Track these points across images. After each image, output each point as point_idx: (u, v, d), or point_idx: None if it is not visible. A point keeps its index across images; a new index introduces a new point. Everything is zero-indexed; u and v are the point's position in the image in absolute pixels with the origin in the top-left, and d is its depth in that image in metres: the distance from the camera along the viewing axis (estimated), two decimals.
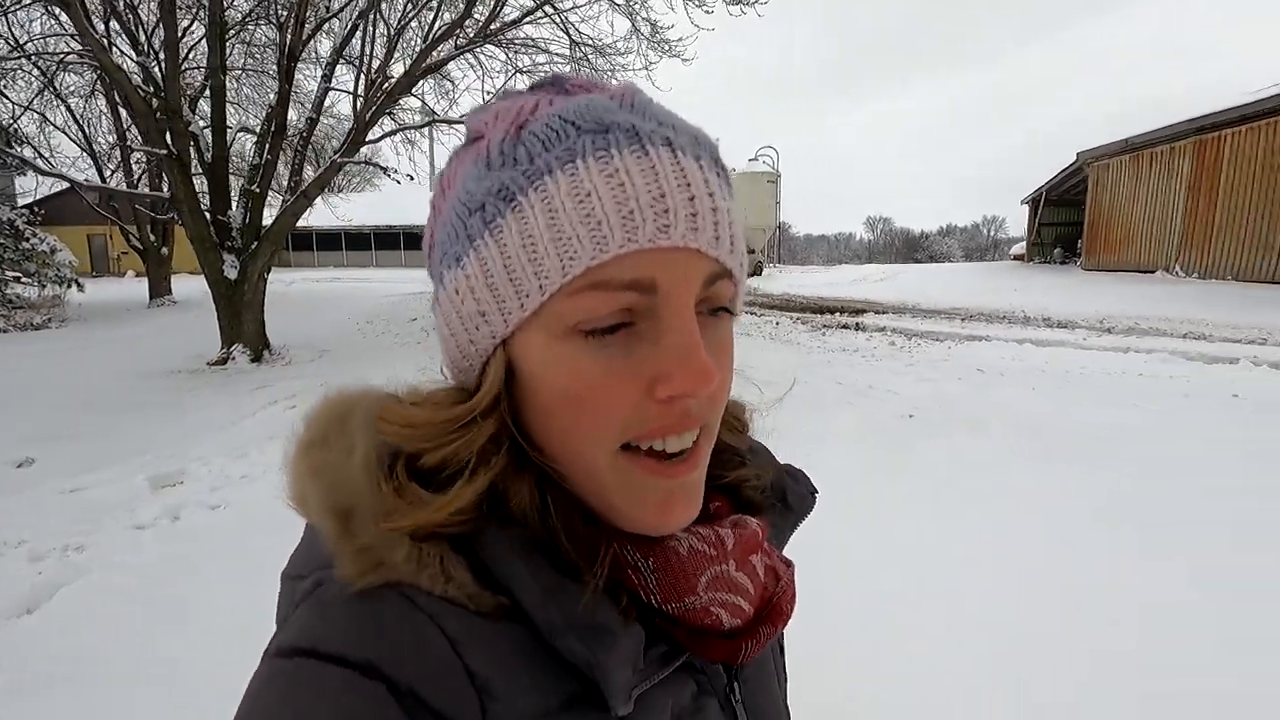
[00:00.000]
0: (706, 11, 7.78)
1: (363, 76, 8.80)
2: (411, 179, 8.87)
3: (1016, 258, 24.90)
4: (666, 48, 9.77)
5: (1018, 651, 2.26)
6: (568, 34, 9.51)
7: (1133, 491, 3.51)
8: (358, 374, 6.91)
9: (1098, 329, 8.74)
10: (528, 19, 9.29)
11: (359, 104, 8.46)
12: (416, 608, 0.36)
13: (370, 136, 9.28)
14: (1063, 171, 21.15)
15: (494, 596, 0.38)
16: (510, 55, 9.72)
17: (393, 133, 9.67)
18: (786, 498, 0.55)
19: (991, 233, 63.29)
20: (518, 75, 9.56)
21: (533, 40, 9.62)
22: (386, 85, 8.45)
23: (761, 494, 0.53)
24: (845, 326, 9.84)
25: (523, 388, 0.41)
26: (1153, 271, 16.42)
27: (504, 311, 0.39)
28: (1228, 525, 3.08)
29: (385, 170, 8.69)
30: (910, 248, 60.57)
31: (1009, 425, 4.73)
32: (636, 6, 9.28)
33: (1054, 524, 3.18)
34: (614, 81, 0.44)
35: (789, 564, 0.51)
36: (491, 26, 9.24)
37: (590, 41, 9.70)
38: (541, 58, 9.75)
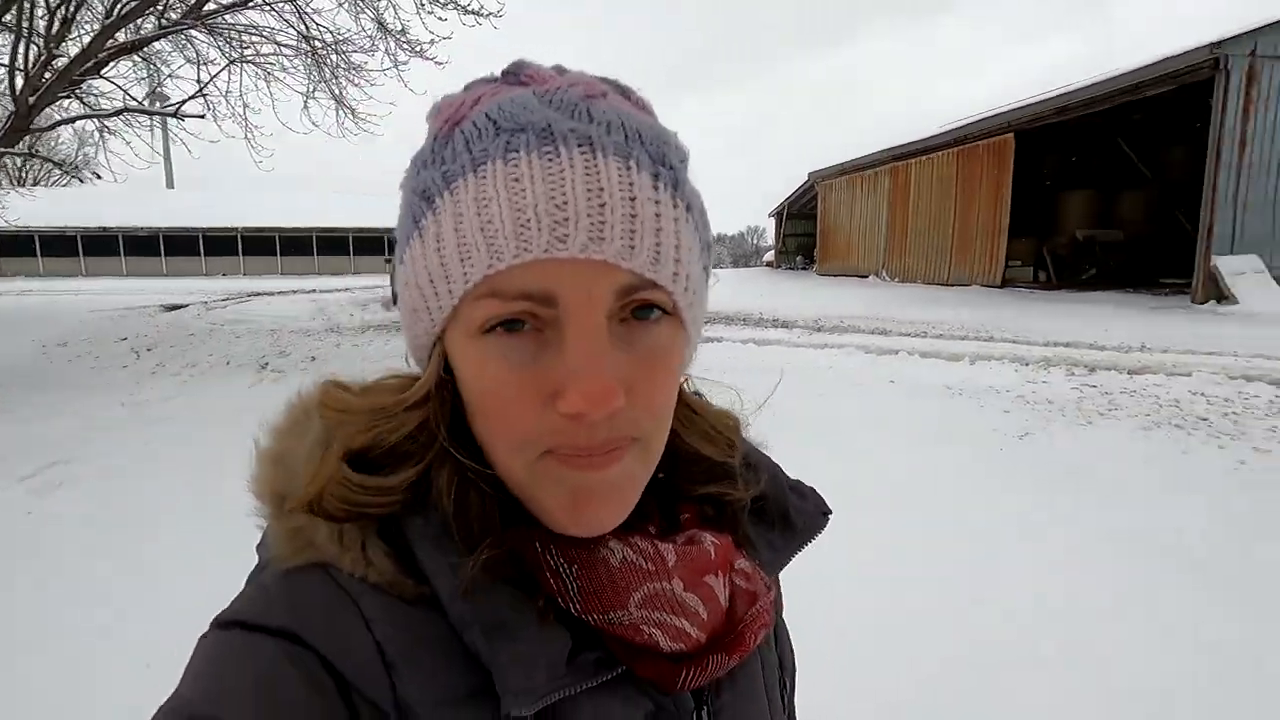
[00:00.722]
0: (440, 19, 7.67)
1: (27, 49, 7.33)
2: (99, 178, 7.55)
3: (768, 264, 27.95)
4: (417, 49, 9.44)
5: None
6: (304, 24, 8.78)
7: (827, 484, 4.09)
8: (31, 413, 5.74)
9: (811, 328, 10.11)
10: (250, 3, 8.43)
11: (20, 83, 7.03)
12: (338, 586, 0.38)
13: (43, 123, 7.79)
14: (799, 188, 24.17)
15: (416, 586, 0.38)
16: (229, 43, 8.73)
17: (67, 121, 8.17)
18: (789, 516, 0.52)
19: (755, 240, 70.26)
20: (236, 65, 8.62)
21: (257, 28, 8.74)
22: (58, 63, 7.12)
23: (737, 510, 0.50)
24: None
25: (459, 385, 0.41)
26: (866, 276, 19.41)
27: (430, 311, 0.40)
28: (908, 515, 3.69)
29: (60, 166, 7.30)
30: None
31: None
32: (382, 5, 8.86)
33: None
34: (579, 72, 0.42)
35: (770, 586, 0.48)
36: (206, 8, 8.24)
37: (330, 35, 9.05)
38: (268, 48, 8.90)
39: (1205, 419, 4.76)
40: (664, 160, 0.39)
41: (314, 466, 0.40)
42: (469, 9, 7.62)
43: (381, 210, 38.22)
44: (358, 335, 10.46)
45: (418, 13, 7.74)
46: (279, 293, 22.76)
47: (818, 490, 0.56)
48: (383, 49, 9.21)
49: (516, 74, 0.42)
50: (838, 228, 21.81)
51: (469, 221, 0.36)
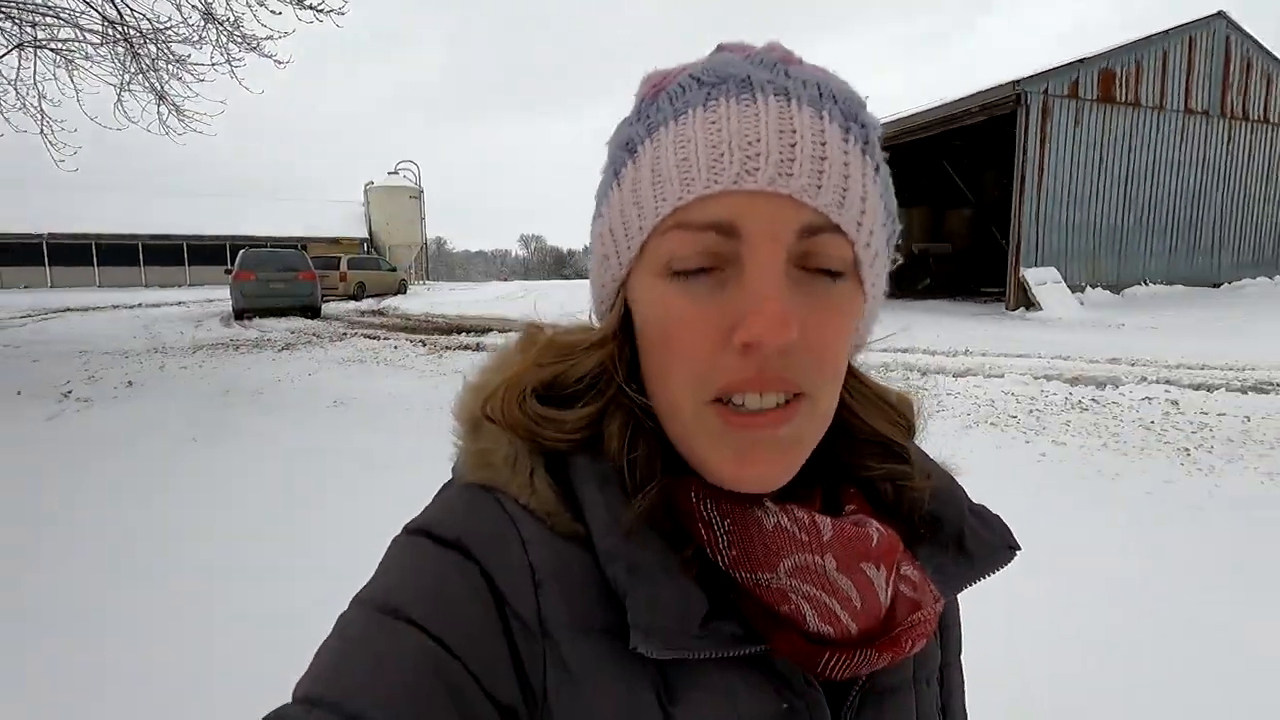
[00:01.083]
0: (273, 12, 7.08)
1: None
2: None
3: None
4: (252, 44, 8.63)
5: None
6: (113, 8, 7.75)
7: None
8: None
9: None
10: None
11: None
12: (503, 508, 0.41)
13: None
14: None
15: (571, 521, 0.40)
16: (16, 24, 7.58)
17: None
18: (965, 541, 0.48)
19: None
20: (26, 50, 7.51)
21: (52, 7, 7.64)
22: None
23: (912, 503, 0.47)
24: (467, 347, 9.94)
25: (636, 330, 0.42)
26: None
27: (619, 253, 0.42)
28: None
29: None
30: (559, 264, 64.95)
31: None
32: None
33: None
34: (776, 41, 0.43)
35: (938, 599, 0.44)
36: None
37: (147, 23, 8.06)
38: (68, 33, 7.82)
39: (1015, 416, 5.33)
40: (856, 118, 0.40)
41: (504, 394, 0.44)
42: (305, 4, 7.08)
43: (221, 214, 34.87)
44: (187, 356, 9.40)
45: (249, 5, 7.09)
46: (95, 308, 20.13)
47: (1003, 520, 0.50)
48: (211, 41, 8.38)
49: (718, 50, 0.44)
50: None
51: (665, 159, 0.39)
